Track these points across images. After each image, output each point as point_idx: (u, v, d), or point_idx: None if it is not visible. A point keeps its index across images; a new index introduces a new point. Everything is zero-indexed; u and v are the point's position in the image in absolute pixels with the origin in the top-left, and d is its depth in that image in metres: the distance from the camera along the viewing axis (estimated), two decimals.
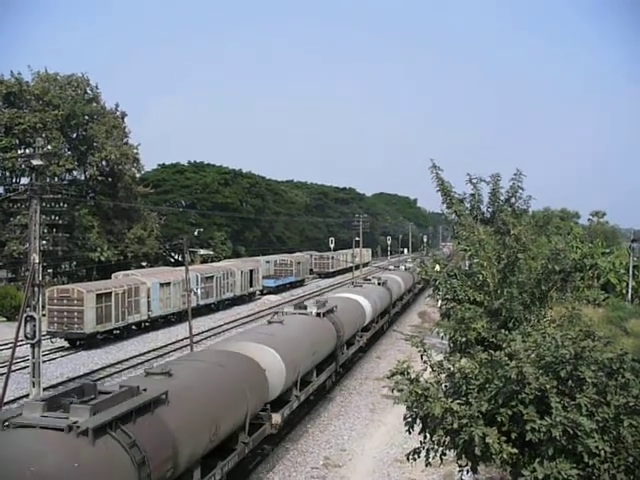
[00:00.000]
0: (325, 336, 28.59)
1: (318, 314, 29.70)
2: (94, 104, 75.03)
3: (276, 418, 21.23)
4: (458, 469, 12.95)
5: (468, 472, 12.83)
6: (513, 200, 24.13)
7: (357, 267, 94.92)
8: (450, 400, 11.78)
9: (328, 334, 29.12)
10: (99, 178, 73.82)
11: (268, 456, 22.37)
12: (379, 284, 49.01)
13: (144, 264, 79.98)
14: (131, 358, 39.71)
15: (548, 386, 11.26)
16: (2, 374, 28.52)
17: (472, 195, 24.35)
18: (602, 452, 10.66)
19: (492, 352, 12.53)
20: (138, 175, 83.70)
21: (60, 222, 65.26)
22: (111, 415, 12.22)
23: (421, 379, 12.36)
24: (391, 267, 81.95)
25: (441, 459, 12.83)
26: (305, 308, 30.81)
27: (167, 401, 14.19)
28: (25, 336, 26.52)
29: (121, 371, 36.09)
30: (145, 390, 14.04)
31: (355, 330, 35.61)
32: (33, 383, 26.81)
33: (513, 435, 11.55)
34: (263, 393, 20.18)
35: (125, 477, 11.97)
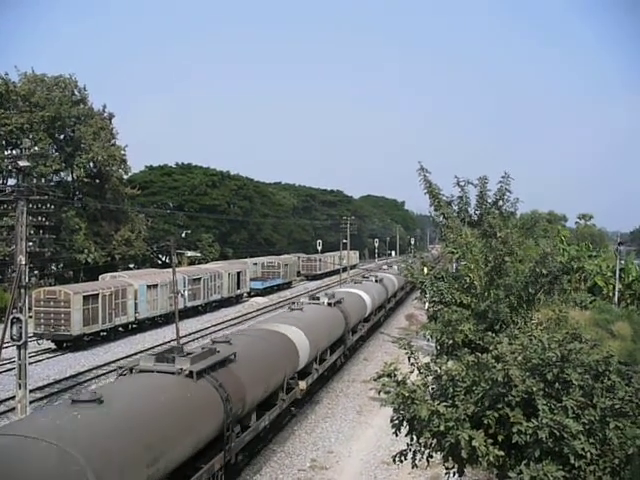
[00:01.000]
0: (336, 322, 34.22)
1: (329, 304, 35.48)
2: (82, 105, 74.80)
3: (302, 384, 26.73)
4: (445, 471, 12.97)
5: (455, 474, 12.85)
6: (501, 203, 24.16)
7: (344, 269, 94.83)
8: (437, 402, 11.80)
9: (338, 321, 34.72)
10: (86, 179, 73.65)
11: (257, 457, 22.38)
12: (376, 281, 55.01)
13: (131, 266, 79.82)
14: (118, 360, 39.53)
15: (535, 388, 11.29)
16: None
17: (460, 198, 24.38)
18: (588, 454, 10.71)
19: (479, 354, 12.56)
20: (125, 177, 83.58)
21: (47, 224, 64.52)
22: (205, 364, 17.51)
23: (408, 381, 12.37)
24: (385, 267, 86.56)
25: (428, 461, 12.85)
26: (318, 299, 36.76)
27: (235, 360, 19.53)
28: (11, 338, 26.39)
29: (108, 373, 35.96)
30: (219, 351, 19.29)
31: (359, 320, 41.50)
32: (19, 385, 26.64)
33: (500, 437, 11.58)
34: (294, 363, 25.39)
35: (217, 408, 17.15)
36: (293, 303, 35.60)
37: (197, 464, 16.68)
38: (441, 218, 24.04)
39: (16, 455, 10.61)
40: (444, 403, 11.83)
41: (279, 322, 27.78)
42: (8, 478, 10.07)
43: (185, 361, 17.12)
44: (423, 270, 24.96)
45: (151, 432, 13.92)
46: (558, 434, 10.67)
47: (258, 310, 64.88)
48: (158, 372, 16.72)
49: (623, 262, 62.69)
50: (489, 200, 24.22)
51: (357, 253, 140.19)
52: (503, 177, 23.79)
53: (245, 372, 19.51)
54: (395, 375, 12.54)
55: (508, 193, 24.03)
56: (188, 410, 15.78)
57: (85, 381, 34.45)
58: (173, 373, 16.67)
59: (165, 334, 48.40)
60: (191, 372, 16.74)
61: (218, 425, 17.35)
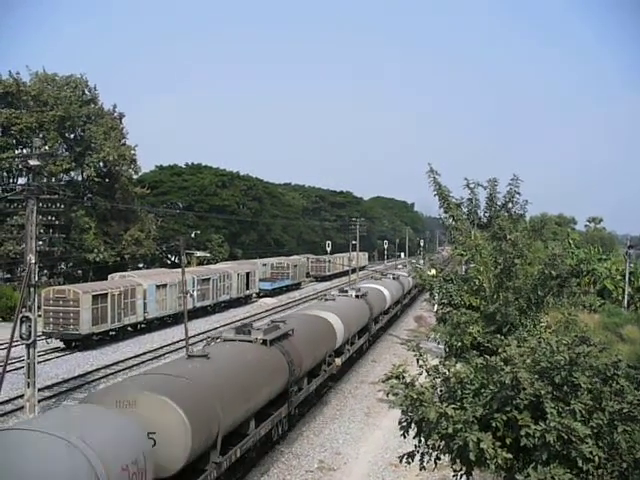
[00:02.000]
0: (362, 312, 39.38)
1: (356, 296, 40.89)
2: (92, 105, 75.03)
3: (338, 361, 31.67)
4: (452, 474, 12.95)
5: (462, 477, 12.84)
6: (510, 205, 24.15)
7: (354, 271, 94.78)
8: (445, 405, 11.79)
9: (364, 311, 39.96)
10: (96, 179, 73.80)
11: (265, 458, 22.40)
12: (394, 279, 60.91)
13: (141, 266, 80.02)
14: (127, 359, 39.67)
15: (543, 392, 11.27)
16: None
17: (469, 200, 24.38)
18: (596, 458, 10.68)
19: (487, 357, 12.55)
20: (135, 176, 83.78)
21: (57, 223, 65.19)
22: (274, 335, 22.75)
23: (416, 383, 12.37)
24: (400, 267, 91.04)
25: (435, 463, 12.84)
26: (346, 292, 42.44)
27: (293, 335, 24.66)
28: (20, 336, 26.49)
29: (116, 372, 36.05)
30: (280, 327, 24.43)
31: (380, 311, 46.67)
32: (28, 384, 26.77)
33: (508, 440, 11.56)
34: (333, 342, 30.58)
35: (284, 369, 22.45)
36: (325, 295, 42.99)
37: (268, 411, 21.76)
38: (450, 220, 24.04)
39: (169, 386, 15.86)
40: (452, 405, 11.82)
41: (319, 309, 33.11)
42: (167, 400, 14.84)
43: (259, 332, 22.59)
44: (432, 272, 24.97)
45: (244, 379, 19.20)
46: (566, 437, 10.65)
47: (267, 311, 64.90)
48: (239, 341, 22.04)
49: (633, 265, 62.55)
50: (498, 202, 24.23)
51: (366, 254, 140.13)
52: (512, 179, 23.79)
53: (300, 344, 24.72)
54: (403, 377, 12.54)
55: (517, 195, 24.04)
56: (265, 368, 21.02)
57: (94, 380, 34.51)
58: (251, 341, 21.97)
59: (174, 334, 48.47)
60: (265, 340, 22.02)
61: (284, 382, 22.60)
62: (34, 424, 12.64)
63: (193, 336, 44.53)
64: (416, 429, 12.44)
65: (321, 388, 30.03)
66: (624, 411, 11.07)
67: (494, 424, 11.62)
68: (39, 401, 27.88)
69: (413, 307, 71.32)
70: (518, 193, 23.94)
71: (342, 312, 33.48)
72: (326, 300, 37.70)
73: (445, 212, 24.07)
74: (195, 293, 56.73)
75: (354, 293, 41.39)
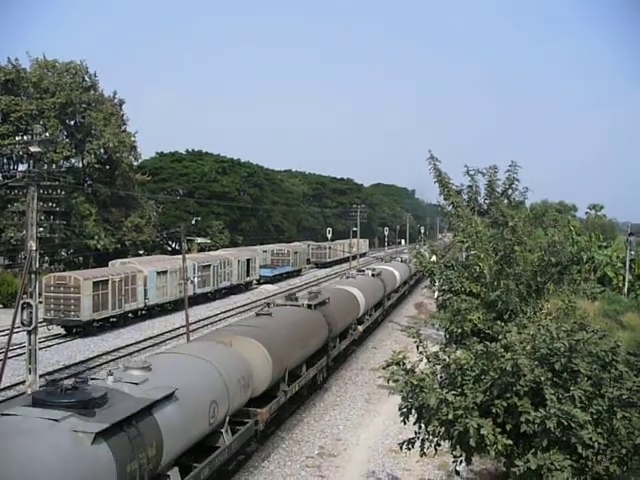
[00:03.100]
0: (378, 288, 45.55)
1: (372, 274, 47.83)
2: (92, 91, 74.83)
3: (360, 328, 38.34)
4: (452, 460, 13.00)
5: (462, 463, 12.89)
6: (510, 192, 24.11)
7: (354, 257, 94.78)
8: (445, 391, 11.84)
9: (379, 287, 46.22)
10: (96, 166, 73.68)
11: (264, 444, 22.48)
12: (402, 262, 67.44)
13: (141, 252, 79.95)
14: (127, 346, 39.76)
15: (543, 378, 11.31)
16: None
17: (469, 187, 24.34)
18: (596, 444, 10.74)
19: (488, 344, 12.58)
20: (136, 163, 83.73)
21: (57, 209, 64.82)
22: (316, 301, 29.17)
23: (417, 370, 12.41)
24: (406, 251, 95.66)
25: (435, 450, 12.90)
26: (363, 271, 50.21)
27: (329, 302, 30.74)
28: (22, 323, 26.52)
29: (117, 359, 36.11)
30: (318, 297, 30.69)
31: (392, 289, 53.39)
32: (29, 370, 26.83)
33: (508, 426, 11.61)
34: (357, 311, 37.16)
35: (324, 327, 28.36)
36: (344, 273, 52.50)
37: (313, 360, 27.60)
38: (450, 207, 24.02)
39: (252, 332, 21.80)
40: (453, 392, 11.87)
41: (344, 284, 39.92)
42: (254, 341, 20.93)
43: (304, 299, 29.89)
44: (432, 258, 24.94)
45: (298, 332, 25.10)
46: (566, 424, 10.69)
47: (267, 297, 64.91)
48: (290, 305, 28.71)
49: (633, 253, 62.46)
50: (498, 189, 24.17)
51: (367, 241, 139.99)
52: (511, 165, 23.71)
53: (335, 310, 30.97)
54: (404, 363, 12.58)
55: (516, 182, 23.98)
56: (311, 325, 27.36)
57: (94, 366, 34.58)
58: (299, 306, 28.64)
59: (174, 320, 48.54)
60: (310, 305, 28.73)
61: (325, 338, 28.76)
62: (186, 350, 19.08)
63: (193, 322, 44.62)
64: (416, 415, 12.49)
65: (347, 349, 36.36)
66: (623, 397, 11.11)
67: (494, 410, 11.67)
68: (40, 387, 27.93)
69: (413, 293, 71.35)
70: (517, 180, 23.92)
71: (362, 287, 40.06)
72: (347, 278, 45.15)
73: (445, 199, 24.04)
74: (196, 280, 56.74)
75: (370, 272, 48.54)
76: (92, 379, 14.60)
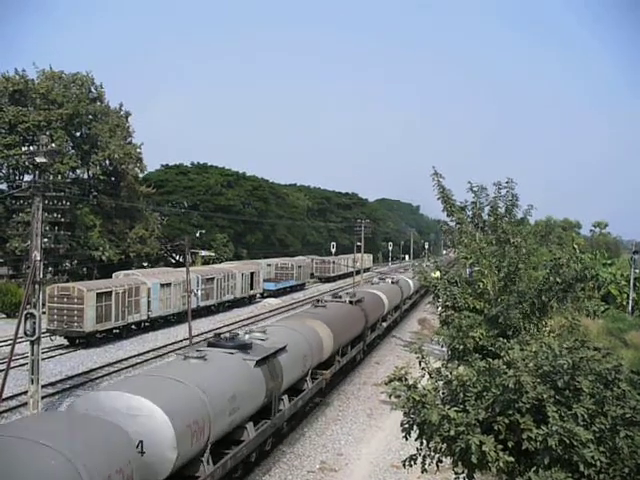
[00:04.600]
0: (397, 293, 55.04)
1: (392, 282, 57.55)
2: (98, 103, 75.20)
3: (384, 324, 48.00)
4: (454, 476, 12.96)
5: (464, 479, 12.85)
6: (513, 209, 24.04)
7: (358, 272, 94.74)
8: (447, 407, 11.81)
9: (398, 293, 55.71)
10: (102, 177, 74.02)
11: (267, 458, 22.44)
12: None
13: (145, 264, 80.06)
14: (130, 357, 39.77)
15: (545, 395, 11.29)
16: (1, 370, 28.51)
17: (473, 203, 24.32)
18: (598, 462, 10.69)
19: (490, 360, 12.55)
20: (141, 175, 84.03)
21: (62, 220, 65.23)
22: (355, 299, 38.28)
23: (419, 386, 12.39)
24: (416, 264, 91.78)
25: (437, 466, 12.85)
26: (384, 280, 59.41)
27: (364, 301, 39.35)
28: (25, 333, 26.51)
29: (119, 370, 36.13)
30: (356, 294, 40.52)
31: (407, 295, 62.07)
32: (32, 380, 26.79)
33: (510, 444, 11.57)
34: (382, 311, 46.09)
35: (362, 318, 37.40)
36: (369, 280, 68.83)
37: (354, 344, 35.96)
38: (453, 223, 24.02)
39: (318, 316, 30.77)
40: (455, 408, 11.84)
41: (372, 289, 49.79)
42: (319, 322, 29.34)
43: (347, 297, 38.76)
44: (436, 274, 24.92)
45: (345, 318, 33.78)
46: (568, 442, 10.66)
47: (271, 311, 64.98)
48: (335, 302, 37.40)
49: (638, 271, 62.42)
50: (501, 207, 24.11)
51: (371, 256, 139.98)
52: (507, 182, 23.64)
53: (368, 306, 39.65)
54: (406, 379, 12.55)
55: (516, 199, 23.89)
56: (353, 316, 35.78)
57: (97, 378, 34.60)
58: (343, 302, 37.50)
59: (177, 333, 48.55)
60: (351, 301, 37.67)
61: (362, 327, 37.54)
62: (283, 324, 28.89)
63: (196, 335, 44.64)
64: (418, 431, 12.45)
65: (377, 338, 45.58)
66: (626, 416, 11.08)
67: (496, 427, 11.63)
68: (42, 397, 27.91)
69: (417, 309, 71.26)
70: (516, 197, 23.82)
71: (386, 291, 49.86)
72: (372, 284, 56.92)
73: (448, 216, 24.04)
74: (199, 292, 56.81)
75: (390, 280, 58.37)
76: (237, 335, 22.51)
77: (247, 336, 22.43)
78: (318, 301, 36.19)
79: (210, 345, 20.67)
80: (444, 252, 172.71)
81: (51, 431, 11.88)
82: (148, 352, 41.76)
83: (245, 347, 20.68)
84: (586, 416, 10.95)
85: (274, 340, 22.96)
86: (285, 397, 23.18)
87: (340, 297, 39.29)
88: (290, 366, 22.99)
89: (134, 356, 40.30)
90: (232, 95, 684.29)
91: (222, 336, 21.86)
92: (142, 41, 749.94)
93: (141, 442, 13.82)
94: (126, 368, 36.71)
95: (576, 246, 71.44)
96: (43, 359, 31.88)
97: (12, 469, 10.19)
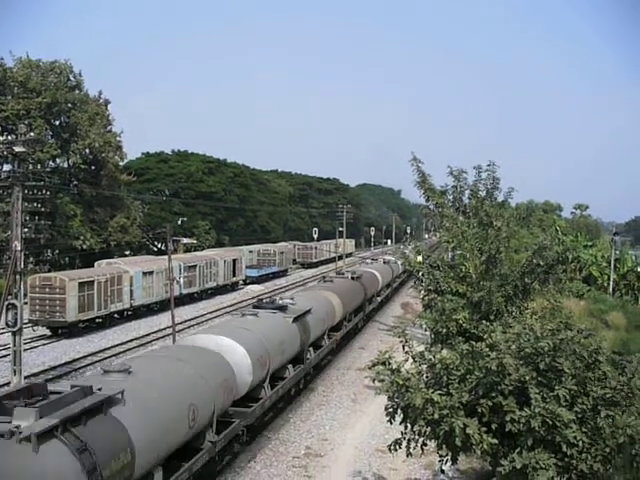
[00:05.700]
0: (389, 271, 62.08)
1: (384, 262, 65.54)
2: (77, 91, 74.53)
3: (379, 299, 54.01)
4: (439, 459, 13.04)
5: (448, 462, 12.93)
6: (494, 192, 24.12)
7: (340, 257, 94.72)
8: (431, 391, 11.87)
9: (390, 271, 62.49)
10: (82, 166, 73.44)
11: (250, 444, 22.47)
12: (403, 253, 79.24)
13: (127, 253, 79.68)
14: (113, 347, 39.60)
15: (527, 377, 11.37)
16: None
17: (454, 187, 24.38)
18: (580, 442, 10.80)
19: (473, 343, 12.62)
20: (121, 163, 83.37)
21: (43, 210, 64.39)
22: (355, 275, 46.10)
23: (402, 370, 12.43)
24: (402, 247, 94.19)
25: (422, 449, 12.93)
26: (377, 260, 68.55)
27: (362, 276, 46.76)
28: (6, 324, 26.40)
29: (103, 359, 35.99)
30: (356, 272, 49.17)
31: (396, 274, 67.87)
32: (14, 371, 26.69)
33: (493, 426, 11.66)
34: (377, 287, 52.46)
35: (362, 292, 44.38)
36: (364, 260, 74.04)
37: (356, 313, 41.86)
38: (432, 207, 24.09)
39: (328, 287, 37.82)
40: (438, 391, 11.91)
41: (369, 268, 56.45)
42: (331, 293, 36.28)
43: (348, 274, 45.63)
44: (418, 258, 24.98)
45: (348, 292, 38.95)
46: (550, 423, 10.75)
47: (253, 298, 64.76)
48: (340, 278, 43.62)
49: (618, 252, 62.90)
50: (482, 190, 24.17)
51: (353, 241, 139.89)
52: (489, 165, 23.72)
53: (366, 282, 45.82)
54: (390, 363, 12.61)
55: (497, 182, 23.96)
56: (355, 289, 41.69)
57: (80, 367, 34.47)
58: (346, 278, 43.62)
59: (160, 321, 48.41)
60: (352, 277, 43.96)
61: (362, 299, 43.57)
62: (304, 292, 37.50)
63: (180, 323, 44.52)
64: (402, 415, 12.51)
65: (374, 310, 52.20)
66: (607, 396, 11.18)
67: (480, 410, 11.71)
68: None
69: (399, 293, 71.44)
70: (497, 180, 23.89)
71: (379, 270, 56.40)
72: (367, 264, 63.37)
73: (427, 200, 24.09)
74: (182, 280, 56.62)
75: (382, 261, 66.06)
76: (275, 299, 29.78)
77: (281, 301, 28.86)
78: (324, 277, 43.79)
79: (255, 307, 27.49)
80: (426, 236, 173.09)
81: (183, 354, 18.11)
82: (131, 341, 41.61)
83: (283, 308, 27.12)
84: (568, 397, 11.04)
85: (301, 305, 29.03)
86: (311, 349, 29.47)
87: (343, 274, 48.11)
88: (314, 325, 29.04)
89: (117, 345, 40.13)
90: (212, 82, 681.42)
91: (264, 300, 29.58)
92: (121, 29, 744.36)
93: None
94: (109, 357, 36.57)
95: (558, 228, 71.94)
96: (25, 350, 31.80)
97: (164, 374, 15.89)
